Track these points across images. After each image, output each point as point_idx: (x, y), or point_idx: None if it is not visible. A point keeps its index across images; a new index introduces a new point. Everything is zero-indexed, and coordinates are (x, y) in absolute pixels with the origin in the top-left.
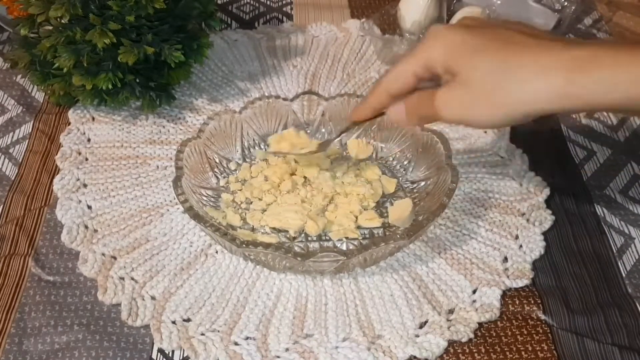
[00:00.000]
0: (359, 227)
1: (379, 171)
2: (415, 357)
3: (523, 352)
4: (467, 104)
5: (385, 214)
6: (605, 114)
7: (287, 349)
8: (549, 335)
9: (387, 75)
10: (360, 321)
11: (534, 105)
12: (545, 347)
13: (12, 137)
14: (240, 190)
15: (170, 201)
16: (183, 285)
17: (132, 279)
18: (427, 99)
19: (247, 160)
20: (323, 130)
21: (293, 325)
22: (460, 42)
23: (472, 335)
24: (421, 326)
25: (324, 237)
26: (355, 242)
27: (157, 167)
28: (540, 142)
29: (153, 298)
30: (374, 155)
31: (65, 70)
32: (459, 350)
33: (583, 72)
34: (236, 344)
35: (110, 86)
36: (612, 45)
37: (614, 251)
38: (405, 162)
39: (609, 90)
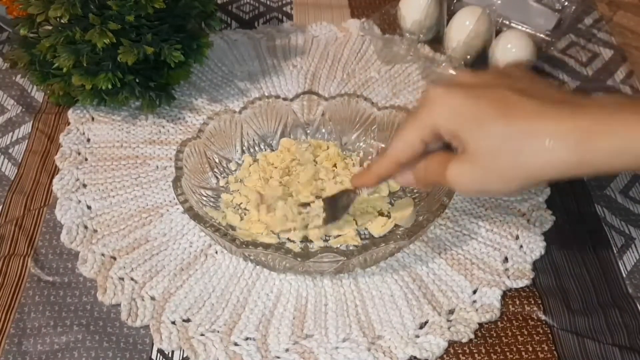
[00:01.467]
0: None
1: None
2: (415, 357)
3: (523, 353)
4: (481, 178)
5: (387, 214)
6: None
7: (287, 350)
8: (550, 335)
9: (394, 145)
10: (360, 321)
11: (545, 175)
12: (546, 348)
13: (12, 137)
14: (237, 190)
15: (170, 201)
16: (183, 285)
17: (132, 279)
18: (436, 168)
19: (252, 154)
20: (323, 130)
21: (293, 325)
22: (463, 109)
23: (472, 336)
24: (421, 326)
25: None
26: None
27: (157, 167)
28: None
29: (153, 298)
30: (374, 155)
31: (64, 70)
32: (459, 351)
33: (588, 143)
34: (236, 344)
35: (109, 86)
36: (611, 110)
37: (615, 251)
38: None
39: (610, 161)
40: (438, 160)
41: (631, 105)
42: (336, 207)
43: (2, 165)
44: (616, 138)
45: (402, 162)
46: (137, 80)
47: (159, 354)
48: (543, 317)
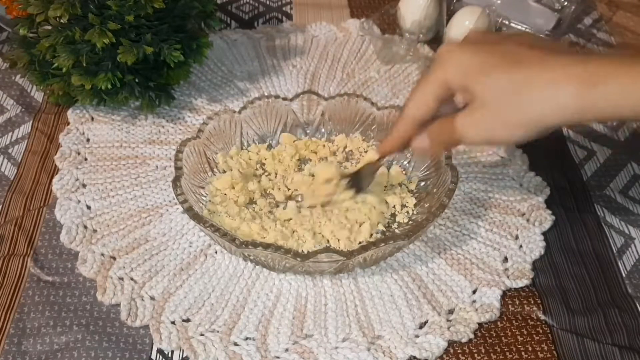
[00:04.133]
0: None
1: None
2: (415, 357)
3: (523, 353)
4: (487, 126)
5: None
6: None
7: (286, 350)
8: (549, 335)
9: (409, 103)
10: (360, 321)
11: (549, 121)
12: (545, 348)
13: (11, 137)
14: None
15: (170, 201)
16: (182, 285)
17: (132, 279)
18: (448, 125)
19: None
20: (323, 130)
21: (293, 325)
22: (472, 62)
23: (472, 336)
24: (421, 326)
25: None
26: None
27: (157, 167)
28: (540, 143)
29: (152, 298)
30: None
31: (64, 70)
32: (458, 351)
33: (591, 87)
34: (236, 344)
35: (109, 86)
36: (620, 58)
37: (614, 251)
38: (405, 162)
39: (618, 105)
40: (450, 120)
41: (632, 56)
42: (361, 179)
43: (1, 165)
44: (616, 83)
45: (418, 119)
46: (137, 80)
47: (158, 354)
48: (543, 317)
